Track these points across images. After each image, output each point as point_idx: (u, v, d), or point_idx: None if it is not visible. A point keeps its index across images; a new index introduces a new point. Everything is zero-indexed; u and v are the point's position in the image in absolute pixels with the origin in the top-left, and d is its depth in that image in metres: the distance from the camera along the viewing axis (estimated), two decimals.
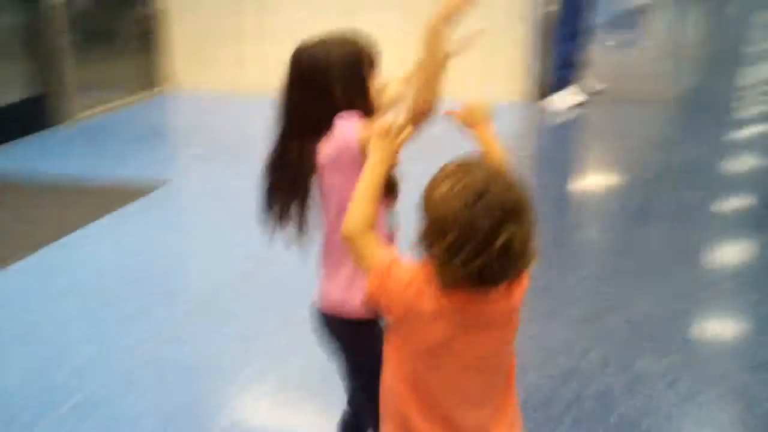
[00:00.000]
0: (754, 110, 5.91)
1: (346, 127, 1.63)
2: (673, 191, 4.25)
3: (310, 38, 1.73)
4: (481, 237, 1.27)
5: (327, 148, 1.65)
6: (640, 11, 10.79)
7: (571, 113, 5.97)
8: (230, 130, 5.88)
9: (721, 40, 9.29)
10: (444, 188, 1.31)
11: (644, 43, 9.63)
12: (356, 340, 1.77)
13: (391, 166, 1.54)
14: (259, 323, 3.03)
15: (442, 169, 1.35)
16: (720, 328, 3.00)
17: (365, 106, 1.68)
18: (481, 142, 1.70)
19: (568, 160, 5.22)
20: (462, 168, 1.34)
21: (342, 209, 1.51)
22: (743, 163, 4.80)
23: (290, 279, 3.25)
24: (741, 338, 2.93)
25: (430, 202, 1.33)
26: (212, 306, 3.18)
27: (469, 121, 1.71)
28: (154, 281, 3.39)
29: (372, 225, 1.45)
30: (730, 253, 3.57)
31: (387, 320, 1.47)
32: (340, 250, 1.60)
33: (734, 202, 4.19)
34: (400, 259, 1.41)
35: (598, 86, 6.31)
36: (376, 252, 1.42)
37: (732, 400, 2.48)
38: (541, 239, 1.34)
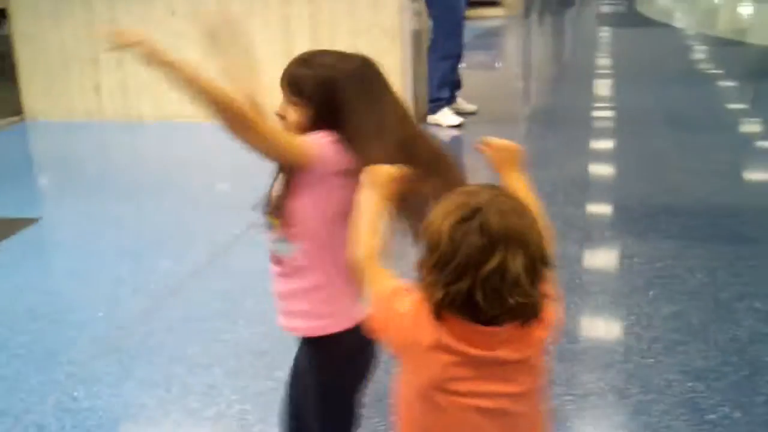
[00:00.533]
0: (607, 122, 6.17)
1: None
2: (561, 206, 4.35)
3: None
4: (465, 258, 1.18)
5: None
6: (494, 33, 11.13)
7: (452, 133, 6.03)
8: (92, 159, 5.56)
9: (571, 57, 9.76)
10: (441, 207, 1.25)
11: (501, 63, 9.95)
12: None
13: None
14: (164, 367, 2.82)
15: (454, 191, 1.29)
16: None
17: None
18: (510, 186, 1.56)
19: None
20: (470, 189, 1.28)
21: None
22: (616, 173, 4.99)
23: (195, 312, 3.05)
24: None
25: (427, 220, 1.27)
26: (113, 354, 2.94)
27: (498, 161, 1.62)
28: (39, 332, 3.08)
29: (376, 254, 1.41)
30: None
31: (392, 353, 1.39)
32: None
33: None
34: (405, 290, 1.33)
35: (470, 107, 6.41)
36: (382, 283, 1.37)
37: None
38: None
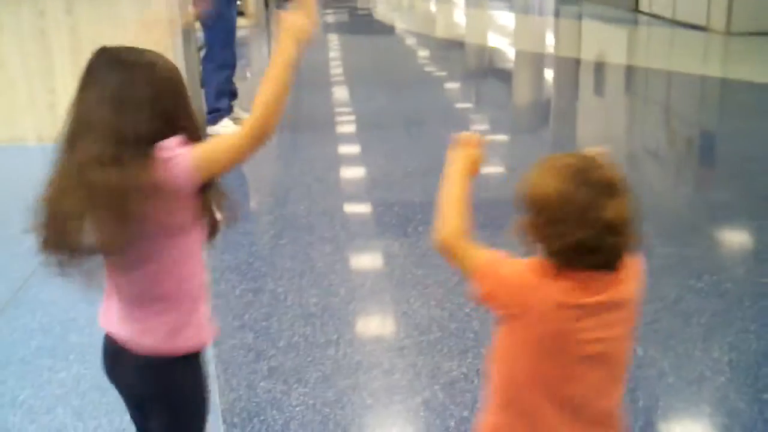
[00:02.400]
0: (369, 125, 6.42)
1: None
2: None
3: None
4: (578, 210, 1.33)
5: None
6: (241, 43, 11.05)
7: None
8: None
9: (312, 63, 9.97)
10: (540, 172, 1.39)
11: (252, 72, 9.91)
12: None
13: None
14: None
15: (536, 164, 1.42)
16: None
17: None
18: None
19: (249, 189, 5.15)
20: (556, 156, 1.42)
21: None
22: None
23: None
24: None
25: (527, 187, 1.39)
26: None
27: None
28: None
29: (466, 230, 1.47)
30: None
31: (500, 317, 1.45)
32: None
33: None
34: (504, 257, 1.45)
35: (247, 117, 6.31)
36: (478, 254, 1.45)
37: None
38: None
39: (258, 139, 1.58)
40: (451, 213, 1.49)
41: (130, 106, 1.51)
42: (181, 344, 1.66)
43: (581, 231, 1.32)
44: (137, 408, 1.81)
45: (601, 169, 1.37)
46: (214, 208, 1.66)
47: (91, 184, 1.47)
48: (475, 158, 1.62)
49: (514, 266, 1.42)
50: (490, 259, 1.44)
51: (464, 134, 1.64)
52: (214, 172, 1.58)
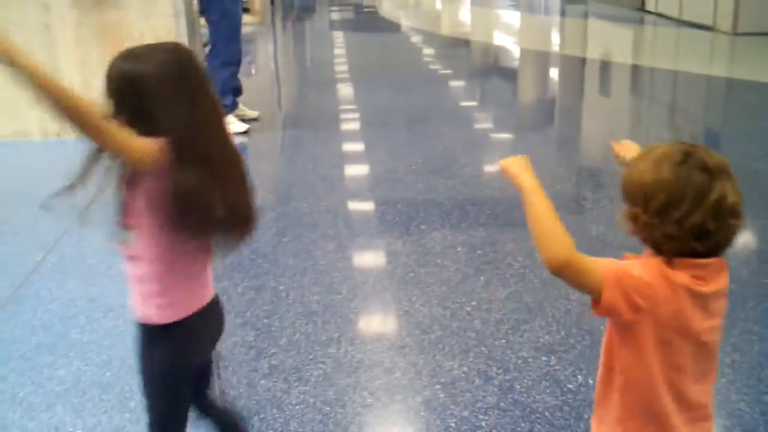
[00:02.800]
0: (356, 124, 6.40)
1: None
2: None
3: None
4: (693, 193, 1.34)
5: None
6: (247, 40, 11.04)
7: (239, 141, 5.91)
8: None
9: (317, 60, 9.95)
10: (645, 161, 1.40)
11: (257, 69, 9.91)
12: None
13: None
14: None
15: (639, 154, 1.46)
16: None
17: None
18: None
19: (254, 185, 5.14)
20: (657, 144, 1.44)
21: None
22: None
23: None
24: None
25: (633, 177, 1.40)
26: None
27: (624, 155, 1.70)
28: None
29: (572, 243, 1.38)
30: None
31: (625, 320, 1.40)
32: None
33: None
34: (625, 259, 1.43)
35: (252, 113, 6.32)
36: (598, 264, 1.39)
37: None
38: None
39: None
40: (556, 231, 1.39)
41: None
42: None
43: (700, 214, 1.34)
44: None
45: (709, 153, 1.39)
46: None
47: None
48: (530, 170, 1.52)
49: (638, 265, 1.40)
50: (614, 265, 1.40)
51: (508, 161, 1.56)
52: None
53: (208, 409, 2.03)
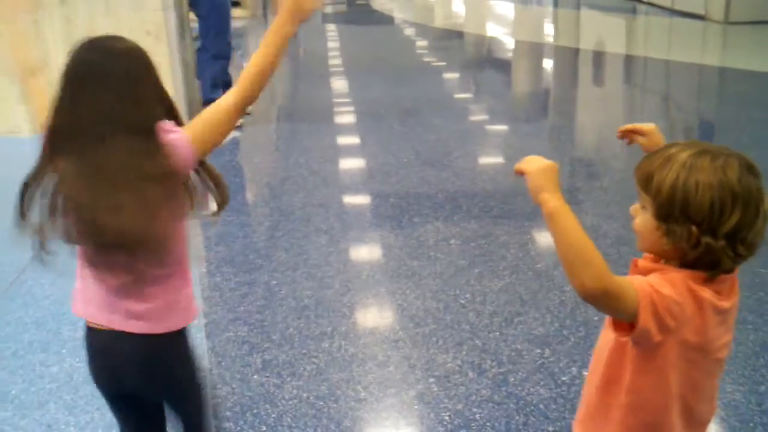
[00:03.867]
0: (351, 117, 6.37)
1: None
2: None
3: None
4: (754, 199, 1.28)
5: None
6: (238, 34, 11.01)
7: (231, 135, 5.88)
8: None
9: (310, 53, 9.92)
10: (696, 171, 1.28)
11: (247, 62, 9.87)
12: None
13: None
14: None
15: (668, 159, 1.31)
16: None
17: None
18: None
19: (245, 180, 5.11)
20: (677, 148, 1.32)
21: None
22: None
23: None
24: None
25: (688, 188, 1.27)
26: None
27: (649, 144, 1.60)
28: None
29: (607, 267, 1.24)
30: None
31: (654, 342, 1.31)
32: None
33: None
34: (652, 280, 1.30)
35: None
36: (631, 287, 1.26)
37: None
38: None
39: (243, 110, 1.64)
40: (591, 257, 1.24)
41: (144, 95, 1.55)
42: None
43: (760, 226, 1.29)
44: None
45: (744, 155, 1.33)
46: (209, 188, 1.67)
47: (146, 176, 1.50)
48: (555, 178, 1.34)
49: (665, 283, 1.29)
50: (646, 286, 1.28)
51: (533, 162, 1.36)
52: (208, 150, 1.61)
53: None
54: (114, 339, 1.65)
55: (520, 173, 1.35)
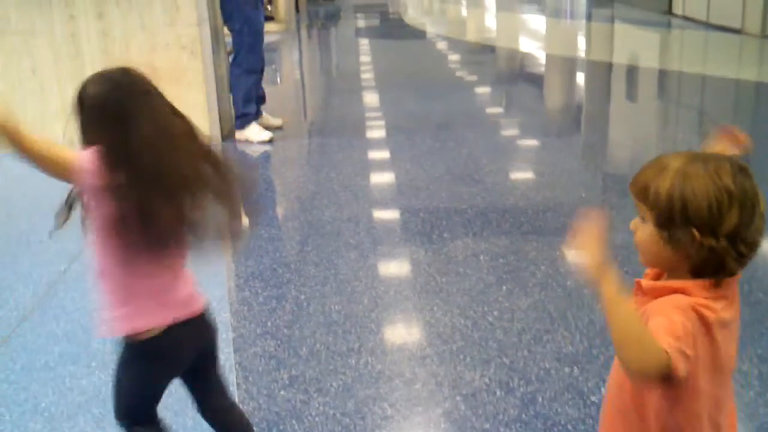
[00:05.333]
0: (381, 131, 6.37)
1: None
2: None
3: None
4: (751, 201, 1.29)
5: None
6: (272, 48, 11.11)
7: (263, 149, 5.93)
8: None
9: (342, 68, 9.97)
10: (699, 177, 1.30)
11: (282, 77, 9.95)
12: None
13: None
14: None
15: (662, 168, 1.34)
16: None
17: None
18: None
19: (276, 194, 5.14)
20: (670, 157, 1.36)
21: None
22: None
23: None
24: None
25: (686, 195, 1.30)
26: None
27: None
28: None
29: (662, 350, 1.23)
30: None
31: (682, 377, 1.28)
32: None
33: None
34: (665, 319, 1.28)
35: (276, 121, 6.33)
36: (660, 343, 1.23)
37: None
38: None
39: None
40: (647, 342, 1.24)
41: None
42: None
43: (759, 225, 1.30)
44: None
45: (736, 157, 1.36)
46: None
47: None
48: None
49: (675, 312, 1.29)
50: (666, 332, 1.26)
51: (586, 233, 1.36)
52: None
53: (213, 416, 2.11)
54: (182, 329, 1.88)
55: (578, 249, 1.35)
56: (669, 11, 13.07)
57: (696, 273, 1.34)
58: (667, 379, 1.26)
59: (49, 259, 3.84)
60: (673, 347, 1.25)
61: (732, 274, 1.34)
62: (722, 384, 1.40)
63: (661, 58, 10.47)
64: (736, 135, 1.59)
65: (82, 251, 3.87)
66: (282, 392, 2.71)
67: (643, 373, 1.25)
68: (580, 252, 1.33)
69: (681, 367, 1.25)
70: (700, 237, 1.30)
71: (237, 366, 2.89)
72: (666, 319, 1.29)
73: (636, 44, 11.60)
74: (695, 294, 1.33)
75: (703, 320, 1.31)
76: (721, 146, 1.56)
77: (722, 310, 1.34)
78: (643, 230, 1.39)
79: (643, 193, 1.37)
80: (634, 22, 13.07)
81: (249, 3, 5.77)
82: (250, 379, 2.80)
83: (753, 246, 1.31)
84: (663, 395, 1.37)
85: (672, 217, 1.32)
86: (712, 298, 1.33)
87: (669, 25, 12.46)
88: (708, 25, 11.53)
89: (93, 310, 3.28)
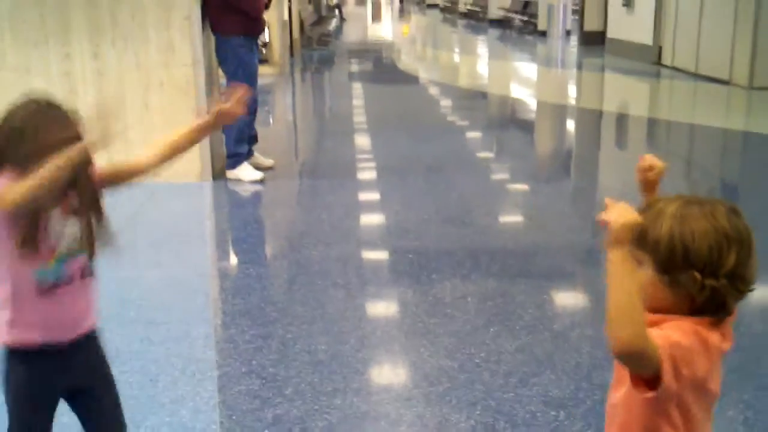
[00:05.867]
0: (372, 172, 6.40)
1: None
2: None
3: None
4: (748, 241, 1.35)
5: None
6: (266, 90, 11.20)
7: (253, 189, 5.94)
8: None
9: (339, 111, 10.04)
10: (689, 220, 1.33)
11: (275, 118, 10.02)
12: None
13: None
14: None
15: (658, 214, 1.36)
16: None
17: None
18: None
19: (265, 233, 5.14)
20: (664, 201, 1.40)
21: None
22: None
23: None
24: None
25: (685, 237, 1.32)
26: None
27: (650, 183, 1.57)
28: None
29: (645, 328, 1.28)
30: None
31: (671, 392, 1.32)
32: None
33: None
34: (667, 332, 1.32)
35: (267, 162, 6.36)
36: (654, 344, 1.28)
37: None
38: None
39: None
40: (637, 316, 1.26)
41: None
42: None
43: (754, 264, 1.36)
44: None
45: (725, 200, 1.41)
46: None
47: None
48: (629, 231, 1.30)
49: (676, 330, 1.33)
50: (663, 340, 1.30)
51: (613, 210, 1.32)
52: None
53: None
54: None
55: (603, 223, 1.31)
56: (658, 61, 13.27)
57: (696, 313, 1.36)
58: (650, 379, 1.29)
59: None
60: (666, 351, 1.28)
61: (730, 312, 1.37)
62: (703, 407, 1.41)
63: (650, 107, 10.60)
64: (651, 163, 1.59)
65: None
66: (266, 431, 2.69)
67: (620, 343, 1.26)
68: (612, 214, 1.29)
69: (667, 371, 1.27)
70: (701, 278, 1.32)
71: (221, 404, 2.86)
72: (664, 332, 1.32)
73: (625, 93, 11.75)
74: None
75: (703, 342, 1.33)
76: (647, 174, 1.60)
77: (721, 343, 1.37)
78: (641, 275, 1.36)
79: (640, 240, 1.34)
80: (624, 71, 13.26)
81: (244, 46, 5.84)
82: (234, 417, 2.78)
83: (749, 283, 1.36)
84: (644, 407, 1.37)
85: (673, 261, 1.34)
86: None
87: (658, 75, 12.64)
88: (697, 76, 11.70)
89: None
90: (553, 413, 2.78)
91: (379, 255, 4.54)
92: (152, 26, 5.77)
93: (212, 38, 5.98)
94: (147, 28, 5.77)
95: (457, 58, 18.03)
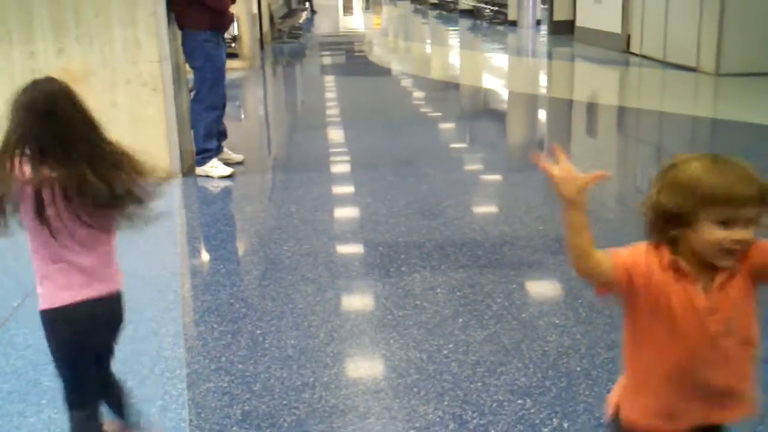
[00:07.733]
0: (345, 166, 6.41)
1: None
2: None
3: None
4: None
5: None
6: (236, 85, 11.15)
7: (223, 184, 5.92)
8: None
9: (307, 104, 10.02)
10: (728, 172, 1.61)
11: (245, 113, 9.98)
12: None
13: None
14: None
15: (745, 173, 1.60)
16: None
17: None
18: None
19: (235, 229, 5.12)
20: (687, 158, 1.75)
21: None
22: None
23: None
24: None
25: (753, 182, 1.57)
26: None
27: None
28: None
29: (589, 247, 1.69)
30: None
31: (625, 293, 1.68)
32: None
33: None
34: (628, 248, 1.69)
35: (237, 157, 6.34)
36: (607, 260, 1.68)
37: None
38: None
39: None
40: (578, 247, 1.70)
41: None
42: None
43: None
44: None
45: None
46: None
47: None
48: (574, 188, 1.79)
49: (633, 251, 1.70)
50: (623, 254, 1.69)
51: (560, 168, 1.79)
52: None
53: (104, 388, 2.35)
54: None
55: (541, 166, 1.80)
56: (627, 50, 13.36)
57: None
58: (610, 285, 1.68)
59: (2, 294, 3.79)
60: (619, 257, 1.67)
61: None
62: (699, 336, 1.64)
63: (620, 95, 10.68)
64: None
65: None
66: (234, 428, 2.69)
67: (576, 270, 1.71)
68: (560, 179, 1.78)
69: (620, 275, 1.65)
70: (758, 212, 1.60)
71: (189, 402, 2.86)
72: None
73: (595, 82, 11.82)
74: None
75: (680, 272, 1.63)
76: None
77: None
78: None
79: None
80: (593, 60, 13.33)
81: (211, 41, 5.81)
82: (203, 415, 2.78)
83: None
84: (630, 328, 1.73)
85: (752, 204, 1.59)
86: None
87: (627, 63, 12.72)
88: (665, 63, 11.80)
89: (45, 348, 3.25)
90: (519, 402, 2.81)
91: (350, 248, 4.55)
92: (117, 23, 5.72)
93: (179, 34, 5.94)
94: (112, 25, 5.72)
95: (428, 49, 18.04)
